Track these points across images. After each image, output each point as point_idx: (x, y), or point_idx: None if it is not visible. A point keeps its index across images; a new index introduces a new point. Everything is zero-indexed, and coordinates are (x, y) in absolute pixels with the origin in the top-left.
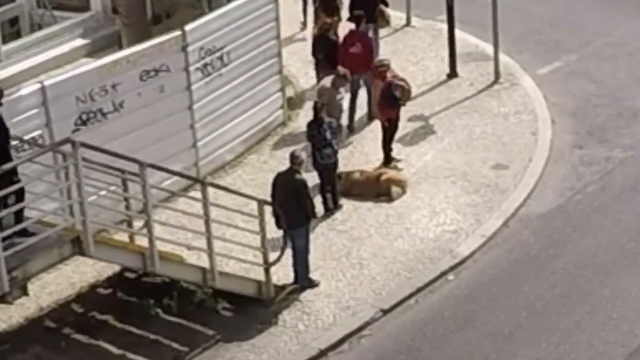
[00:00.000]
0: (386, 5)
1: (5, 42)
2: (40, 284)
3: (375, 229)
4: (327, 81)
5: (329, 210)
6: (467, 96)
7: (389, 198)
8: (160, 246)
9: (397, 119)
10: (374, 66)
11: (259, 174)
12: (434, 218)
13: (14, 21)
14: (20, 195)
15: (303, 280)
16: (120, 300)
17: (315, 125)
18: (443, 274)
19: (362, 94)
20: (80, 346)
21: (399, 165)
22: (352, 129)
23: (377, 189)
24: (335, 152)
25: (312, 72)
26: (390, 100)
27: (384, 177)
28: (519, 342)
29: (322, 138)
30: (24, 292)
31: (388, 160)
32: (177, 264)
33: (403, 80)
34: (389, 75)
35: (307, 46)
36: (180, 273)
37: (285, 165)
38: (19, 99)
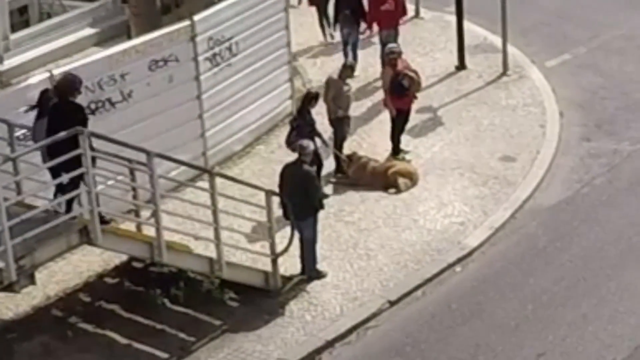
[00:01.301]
0: None
1: (14, 30)
2: (48, 272)
3: (382, 220)
4: (334, 73)
5: None
6: (475, 88)
7: (397, 190)
8: (168, 236)
9: (408, 111)
10: (385, 54)
11: (267, 165)
12: (441, 210)
13: (23, 10)
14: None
15: (310, 271)
16: (127, 290)
17: (296, 114)
18: (450, 265)
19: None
20: (87, 335)
21: (407, 157)
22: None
23: (385, 181)
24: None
25: (320, 62)
26: (397, 89)
27: (391, 170)
28: (525, 334)
29: (294, 126)
30: (32, 281)
31: (396, 151)
32: (185, 254)
33: (414, 71)
34: (400, 65)
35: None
36: (187, 263)
37: (293, 156)
38: (27, 87)
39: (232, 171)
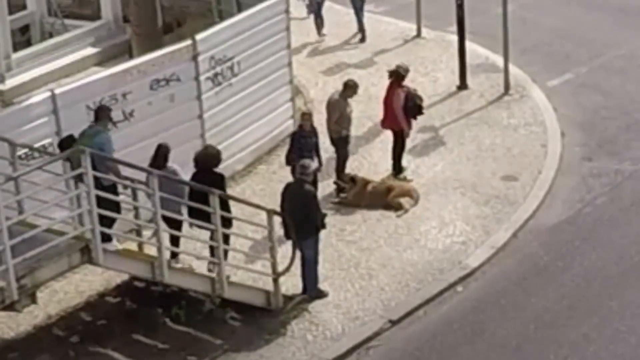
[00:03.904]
0: None
1: (16, 50)
2: (49, 292)
3: (384, 240)
4: (336, 93)
5: None
6: (477, 108)
7: (405, 210)
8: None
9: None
10: (391, 71)
11: (269, 184)
12: (443, 229)
13: (25, 29)
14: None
15: (312, 291)
16: (129, 309)
17: (294, 134)
18: (452, 285)
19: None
20: (88, 355)
21: (407, 174)
22: (363, 32)
23: (386, 203)
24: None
25: (321, 82)
26: (412, 109)
27: (390, 195)
28: (527, 354)
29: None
30: (33, 300)
31: (399, 170)
32: (186, 274)
33: (415, 90)
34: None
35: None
36: (188, 282)
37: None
38: (29, 106)
39: (234, 190)
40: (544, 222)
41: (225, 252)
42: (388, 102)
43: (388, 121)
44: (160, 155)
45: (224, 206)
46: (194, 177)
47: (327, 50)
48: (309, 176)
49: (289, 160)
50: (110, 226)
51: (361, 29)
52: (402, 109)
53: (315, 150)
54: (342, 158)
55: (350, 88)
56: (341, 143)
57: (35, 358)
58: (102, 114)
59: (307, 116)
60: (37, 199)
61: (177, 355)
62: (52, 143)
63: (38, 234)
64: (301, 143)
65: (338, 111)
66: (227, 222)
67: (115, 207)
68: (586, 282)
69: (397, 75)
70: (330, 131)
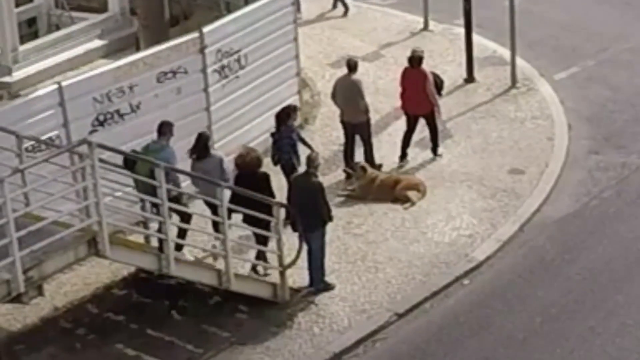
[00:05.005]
0: None
1: (23, 42)
2: (56, 284)
3: (391, 233)
4: (344, 77)
5: None
6: (484, 101)
7: (412, 203)
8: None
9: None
10: (411, 56)
11: (276, 177)
12: (449, 222)
13: (31, 21)
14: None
15: (318, 284)
16: (135, 302)
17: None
18: (458, 278)
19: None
20: (95, 347)
21: (407, 165)
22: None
23: (394, 197)
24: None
25: (328, 74)
26: (437, 86)
27: (397, 188)
28: (533, 347)
29: (274, 140)
30: (40, 292)
31: (435, 150)
32: (193, 266)
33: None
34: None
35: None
36: (195, 275)
37: (302, 168)
38: (36, 99)
39: None
40: (550, 215)
41: (264, 254)
42: (417, 87)
43: (414, 106)
44: (201, 144)
45: (267, 210)
46: (237, 181)
47: (333, 42)
48: (317, 168)
49: (275, 160)
50: (182, 237)
51: (343, 3)
52: (435, 89)
53: (302, 141)
54: (370, 143)
55: (354, 65)
56: (366, 127)
57: (41, 350)
58: (165, 128)
59: (297, 111)
60: (43, 192)
61: (183, 347)
62: (59, 135)
63: (45, 226)
64: (293, 139)
65: (361, 88)
66: (267, 224)
67: (187, 217)
68: (592, 276)
69: (419, 59)
70: (353, 117)
